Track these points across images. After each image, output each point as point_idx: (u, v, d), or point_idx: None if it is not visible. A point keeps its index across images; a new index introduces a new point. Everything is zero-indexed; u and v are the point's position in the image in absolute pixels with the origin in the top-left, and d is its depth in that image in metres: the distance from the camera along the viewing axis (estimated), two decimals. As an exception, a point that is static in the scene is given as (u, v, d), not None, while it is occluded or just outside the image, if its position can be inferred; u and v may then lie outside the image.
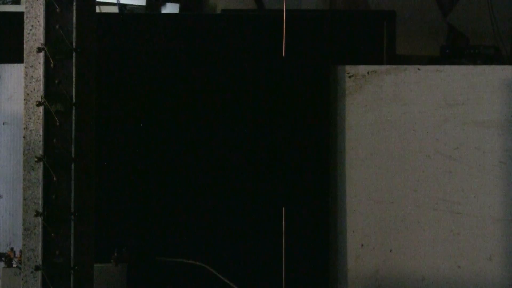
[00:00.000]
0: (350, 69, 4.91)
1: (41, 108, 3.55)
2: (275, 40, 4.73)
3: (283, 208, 4.74)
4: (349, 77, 4.91)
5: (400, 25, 5.59)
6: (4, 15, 5.04)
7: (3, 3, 5.61)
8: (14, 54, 4.64)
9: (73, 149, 3.54)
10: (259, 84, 4.84)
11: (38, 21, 3.59)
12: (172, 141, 4.84)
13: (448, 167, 4.86)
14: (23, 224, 3.61)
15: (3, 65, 4.85)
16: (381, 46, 5.08)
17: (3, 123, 4.86)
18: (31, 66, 3.61)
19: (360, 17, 5.39)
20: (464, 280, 4.84)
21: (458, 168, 4.85)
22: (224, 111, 4.85)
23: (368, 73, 4.90)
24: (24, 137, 3.61)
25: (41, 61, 3.56)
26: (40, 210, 3.53)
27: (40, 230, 3.54)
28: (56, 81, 3.56)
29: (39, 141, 3.55)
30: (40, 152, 3.54)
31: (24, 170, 3.61)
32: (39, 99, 3.55)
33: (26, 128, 3.61)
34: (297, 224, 4.78)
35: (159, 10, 5.76)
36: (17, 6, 5.57)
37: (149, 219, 4.81)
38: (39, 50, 3.55)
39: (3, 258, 4.14)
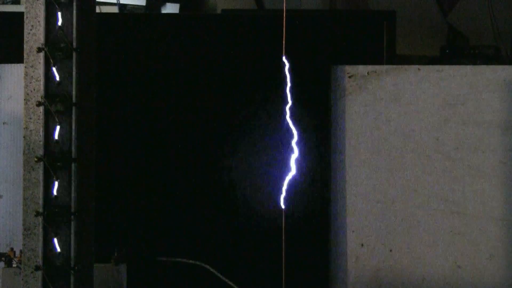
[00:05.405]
0: (350, 69, 4.91)
1: (41, 108, 3.55)
2: (275, 40, 4.72)
3: (283, 208, 4.73)
4: (349, 77, 4.91)
5: (400, 25, 5.58)
6: (4, 15, 5.04)
7: (3, 3, 5.61)
8: (14, 54, 4.65)
9: (73, 149, 3.54)
10: (259, 84, 4.84)
11: (38, 21, 3.59)
12: (172, 141, 4.84)
13: (448, 167, 4.86)
14: (23, 224, 3.61)
15: (3, 65, 4.85)
16: (381, 46, 5.07)
17: (3, 123, 4.86)
18: (31, 66, 3.61)
19: (360, 17, 5.38)
20: (464, 280, 4.84)
21: (458, 168, 4.85)
22: (224, 111, 4.85)
23: (368, 73, 4.90)
24: (24, 137, 3.61)
25: (41, 61, 3.56)
26: (40, 210, 3.53)
27: (40, 230, 3.54)
28: (56, 81, 3.56)
29: (39, 141, 3.55)
30: (40, 152, 3.54)
31: (24, 170, 3.61)
32: (39, 99, 3.55)
33: (26, 128, 3.61)
34: (297, 224, 4.78)
35: (159, 10, 5.76)
36: (17, 6, 5.56)
37: (149, 219, 4.82)
38: (39, 50, 3.55)
39: (3, 258, 4.14)
